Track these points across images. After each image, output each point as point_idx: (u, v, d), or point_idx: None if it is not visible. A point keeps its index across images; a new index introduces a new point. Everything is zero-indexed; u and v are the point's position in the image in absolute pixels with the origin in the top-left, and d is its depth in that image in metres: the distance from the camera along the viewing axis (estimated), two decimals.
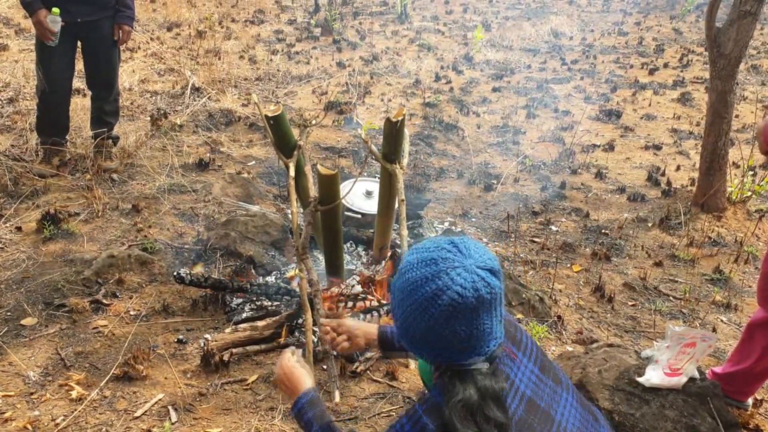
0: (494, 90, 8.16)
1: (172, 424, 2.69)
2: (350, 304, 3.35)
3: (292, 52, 9.34)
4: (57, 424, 2.65)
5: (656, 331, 3.57)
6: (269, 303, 3.42)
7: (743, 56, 4.61)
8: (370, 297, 3.41)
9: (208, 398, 2.85)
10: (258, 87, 7.61)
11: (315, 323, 2.97)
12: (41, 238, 3.98)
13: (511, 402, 1.61)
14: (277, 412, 2.76)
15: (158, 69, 7.84)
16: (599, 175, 5.73)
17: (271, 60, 8.78)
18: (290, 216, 3.39)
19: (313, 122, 3.69)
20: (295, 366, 2.01)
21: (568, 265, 4.24)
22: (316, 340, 3.01)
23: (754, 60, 10.09)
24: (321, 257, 3.68)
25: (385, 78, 8.35)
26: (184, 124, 6.04)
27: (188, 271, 3.44)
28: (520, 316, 3.52)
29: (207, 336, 3.17)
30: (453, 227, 4.61)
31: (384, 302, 3.38)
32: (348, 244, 4.03)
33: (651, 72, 9.39)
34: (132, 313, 3.40)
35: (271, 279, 3.70)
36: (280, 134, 3.17)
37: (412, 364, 3.12)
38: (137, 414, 2.73)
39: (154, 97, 6.81)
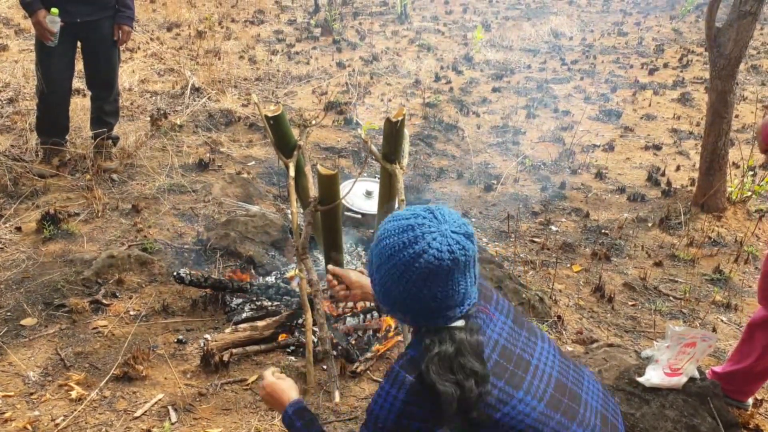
0: (494, 90, 8.16)
1: (172, 424, 2.69)
2: (350, 304, 3.35)
3: (292, 53, 9.34)
4: (57, 425, 2.65)
5: (656, 331, 3.57)
6: (269, 303, 3.42)
7: (743, 56, 4.61)
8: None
9: (207, 398, 2.85)
10: (258, 87, 7.61)
11: (315, 323, 2.97)
12: (41, 239, 3.98)
13: (485, 350, 1.67)
14: (276, 413, 2.76)
15: (158, 69, 7.84)
16: (599, 175, 5.73)
17: (271, 60, 8.77)
18: (290, 216, 3.39)
19: (313, 122, 3.69)
20: (276, 381, 2.02)
21: (568, 265, 4.24)
22: (316, 340, 3.01)
23: (754, 60, 10.09)
24: (321, 257, 3.68)
25: (384, 78, 8.35)
26: (184, 124, 6.04)
27: (188, 271, 3.43)
28: None
29: (207, 336, 3.17)
30: None
31: None
32: (348, 245, 4.02)
33: (651, 72, 9.39)
34: (132, 313, 3.40)
35: (271, 279, 3.70)
36: (280, 134, 3.16)
37: None
38: (137, 414, 2.73)
39: (154, 98, 6.81)
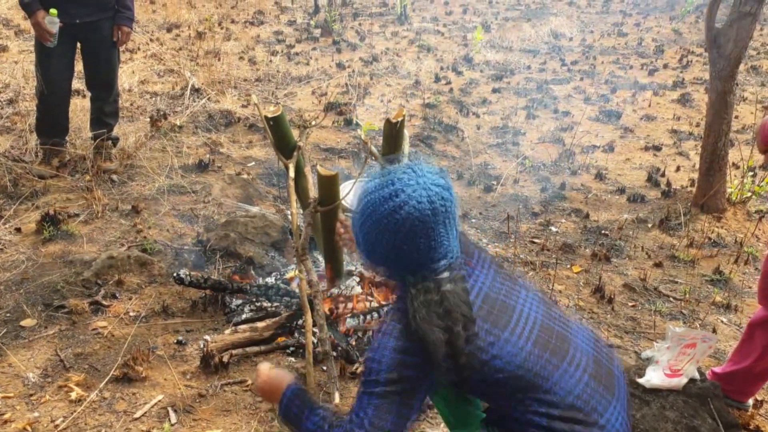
0: (494, 91, 8.16)
1: (172, 425, 2.69)
2: (350, 305, 3.34)
3: (291, 53, 9.34)
4: (56, 426, 2.65)
5: (656, 332, 3.57)
6: (269, 304, 3.41)
7: (743, 57, 4.61)
8: (370, 298, 3.41)
9: (207, 399, 2.85)
10: (258, 88, 7.61)
11: (315, 324, 2.96)
12: (41, 239, 3.98)
13: (469, 298, 1.72)
14: (276, 414, 2.76)
15: (158, 70, 7.84)
16: (599, 176, 5.73)
17: (270, 61, 8.77)
18: (290, 217, 3.39)
19: (313, 123, 3.69)
20: (271, 370, 2.00)
21: (568, 266, 4.23)
22: (315, 341, 3.00)
23: (754, 61, 10.09)
24: (321, 258, 3.67)
25: (384, 79, 8.35)
26: (184, 125, 6.04)
27: (188, 272, 3.43)
28: None
29: (207, 337, 3.16)
30: None
31: (384, 303, 3.38)
32: None
33: (651, 73, 9.39)
34: (131, 314, 3.39)
35: (270, 280, 3.70)
36: (279, 135, 3.16)
37: None
38: (137, 415, 2.73)
39: (153, 98, 6.81)
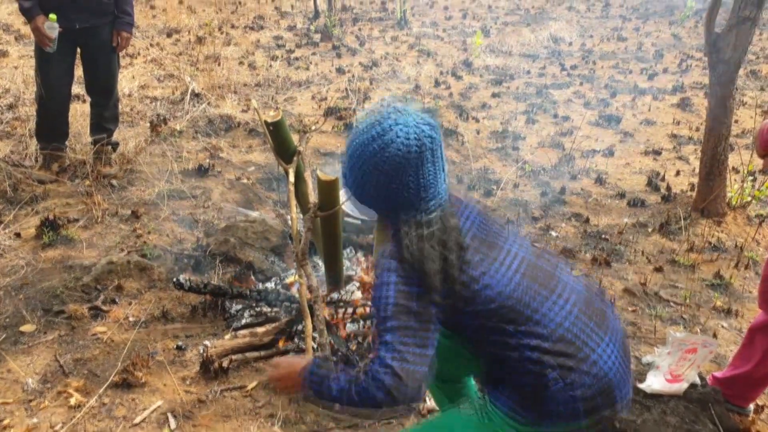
0: (494, 95, 8.16)
1: (172, 431, 2.68)
2: (350, 310, 3.34)
3: (291, 58, 9.35)
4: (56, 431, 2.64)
5: (657, 336, 3.56)
6: (269, 309, 3.41)
7: (742, 62, 4.61)
8: (370, 303, 3.40)
9: (207, 405, 2.84)
10: (258, 93, 7.62)
11: (315, 329, 2.96)
12: (40, 244, 3.97)
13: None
14: (276, 419, 2.75)
15: (158, 75, 7.85)
16: (599, 181, 5.73)
17: (270, 66, 8.78)
18: (290, 222, 3.39)
19: (313, 128, 3.69)
20: (282, 359, 2.00)
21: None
22: (315, 346, 3.00)
23: (753, 65, 10.10)
24: (321, 263, 3.67)
25: (384, 83, 8.36)
26: (184, 129, 6.04)
27: (188, 277, 3.43)
28: None
29: (206, 342, 3.16)
30: None
31: None
32: (348, 250, 4.02)
33: (650, 77, 9.40)
34: (131, 319, 3.39)
35: (270, 285, 3.69)
36: (279, 140, 3.16)
37: None
38: (136, 421, 2.72)
39: (153, 103, 6.81)
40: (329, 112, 6.89)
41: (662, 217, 4.95)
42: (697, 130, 7.08)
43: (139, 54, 8.66)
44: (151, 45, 9.19)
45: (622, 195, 5.47)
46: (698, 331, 3.63)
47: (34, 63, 4.66)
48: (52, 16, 4.26)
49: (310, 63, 9.20)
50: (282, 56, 9.39)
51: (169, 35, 9.92)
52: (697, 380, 2.60)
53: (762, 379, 2.81)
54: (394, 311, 1.70)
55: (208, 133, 6.08)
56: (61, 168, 4.86)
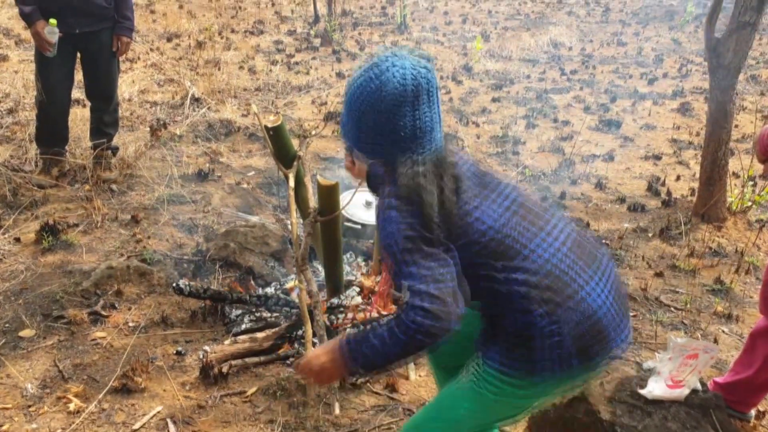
0: (494, 100, 8.17)
1: None
2: (350, 315, 3.33)
3: (291, 63, 9.36)
4: None
5: (657, 342, 3.56)
6: (269, 314, 3.40)
7: (743, 66, 4.61)
8: (370, 308, 3.39)
9: (207, 411, 2.83)
10: (258, 97, 7.62)
11: (315, 335, 2.95)
12: (40, 249, 3.97)
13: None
14: (276, 425, 2.74)
15: (158, 79, 7.85)
16: (599, 185, 5.73)
17: (270, 70, 8.79)
18: (290, 227, 3.39)
19: (313, 133, 3.69)
20: (307, 354, 1.95)
21: None
22: None
23: (753, 70, 10.11)
24: (321, 268, 3.66)
25: None
26: (184, 134, 6.04)
27: (187, 282, 3.42)
28: None
29: (206, 348, 3.15)
30: None
31: (384, 313, 3.37)
32: (348, 255, 4.01)
33: (650, 82, 9.41)
34: (131, 324, 3.38)
35: (270, 290, 3.69)
36: (279, 145, 3.16)
37: (413, 375, 3.10)
38: (136, 427, 2.71)
39: (153, 108, 6.81)
40: (329, 117, 6.89)
41: (662, 222, 4.95)
42: (698, 134, 7.08)
43: (139, 58, 8.66)
44: (151, 49, 9.19)
45: (622, 200, 5.46)
46: (699, 336, 3.62)
47: (35, 67, 4.66)
48: (53, 20, 4.26)
49: (310, 67, 9.20)
50: (282, 61, 9.40)
51: (169, 40, 9.93)
52: (699, 386, 2.59)
53: (763, 385, 2.80)
54: (405, 244, 1.73)
55: (208, 138, 6.08)
56: (60, 173, 4.85)
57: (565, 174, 5.96)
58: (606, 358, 1.83)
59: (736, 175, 5.62)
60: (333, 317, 3.32)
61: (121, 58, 4.91)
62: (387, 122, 1.77)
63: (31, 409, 2.77)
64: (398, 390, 3.00)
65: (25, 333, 3.25)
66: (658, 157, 6.51)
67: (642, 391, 2.56)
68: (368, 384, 3.04)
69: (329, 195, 3.09)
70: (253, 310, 3.44)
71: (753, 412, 2.93)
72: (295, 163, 3.21)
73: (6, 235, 4.10)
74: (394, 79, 1.74)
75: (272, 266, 3.95)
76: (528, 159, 6.24)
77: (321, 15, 11.89)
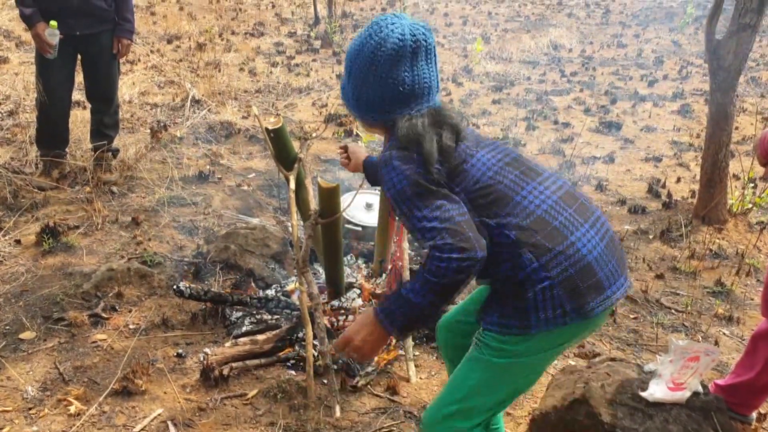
0: (494, 102, 8.17)
1: None
2: (351, 317, 3.33)
3: (292, 65, 9.36)
4: None
5: (658, 344, 3.56)
6: (269, 317, 3.40)
7: (743, 68, 4.61)
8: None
9: (207, 413, 2.83)
10: (258, 99, 7.62)
11: (315, 337, 2.95)
12: (40, 251, 3.97)
13: None
14: (277, 427, 2.74)
15: (158, 81, 7.86)
16: (600, 187, 5.73)
17: (271, 72, 8.79)
18: (290, 229, 3.39)
19: (314, 135, 3.69)
20: (346, 330, 1.93)
21: None
22: (316, 354, 2.99)
23: (753, 72, 10.12)
24: (321, 270, 3.66)
25: None
26: (184, 136, 6.04)
27: (188, 285, 3.42)
28: None
29: (207, 350, 3.14)
30: None
31: None
32: (348, 257, 4.01)
33: (650, 84, 9.41)
34: (131, 326, 3.38)
35: (271, 292, 3.68)
36: (280, 147, 3.16)
37: (414, 378, 3.10)
38: (136, 429, 2.71)
39: (154, 110, 6.82)
40: (330, 119, 6.89)
41: (663, 224, 4.95)
42: (698, 136, 7.09)
43: (139, 60, 8.67)
44: (152, 51, 9.19)
45: (622, 202, 5.46)
46: (700, 338, 3.62)
47: (35, 69, 4.66)
48: (53, 22, 4.27)
49: (311, 69, 9.21)
50: (282, 62, 9.40)
51: (169, 42, 9.93)
52: (700, 388, 2.59)
53: (765, 387, 2.80)
54: (412, 189, 1.77)
55: (208, 140, 6.08)
56: (61, 175, 4.85)
57: (565, 176, 5.96)
58: (602, 308, 1.81)
59: (736, 177, 5.62)
60: (334, 319, 3.32)
61: (121, 60, 4.91)
62: (386, 77, 1.83)
63: (31, 412, 2.77)
64: (399, 392, 3.00)
65: (26, 335, 3.24)
66: (658, 159, 6.51)
67: (643, 394, 2.56)
68: (369, 386, 3.04)
69: (330, 197, 3.09)
70: (254, 312, 3.44)
71: (754, 414, 2.92)
72: (295, 165, 3.21)
73: (6, 237, 4.10)
74: (394, 35, 1.80)
75: (273, 268, 3.95)
76: None
77: (321, 17, 11.90)
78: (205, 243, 4.16)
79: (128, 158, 5.28)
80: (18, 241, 4.08)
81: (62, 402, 2.83)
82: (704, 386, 2.61)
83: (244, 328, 3.32)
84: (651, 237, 4.83)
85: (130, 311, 3.50)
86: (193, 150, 5.83)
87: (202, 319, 3.45)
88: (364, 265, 3.98)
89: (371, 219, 4.18)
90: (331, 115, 6.98)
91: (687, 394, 2.54)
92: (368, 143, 5.41)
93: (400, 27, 1.81)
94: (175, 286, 3.40)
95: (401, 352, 3.24)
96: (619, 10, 15.75)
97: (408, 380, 3.10)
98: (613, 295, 1.84)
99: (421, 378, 3.13)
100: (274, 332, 3.23)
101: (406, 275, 3.35)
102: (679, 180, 6.00)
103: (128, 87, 7.28)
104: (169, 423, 2.75)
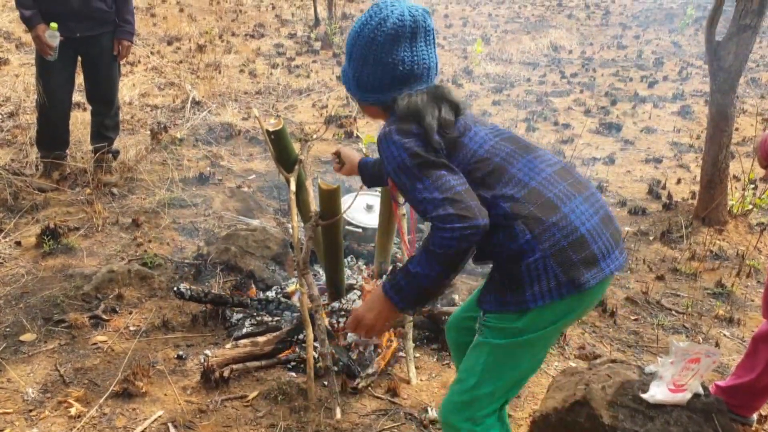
0: (494, 103, 8.17)
1: None
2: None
3: (292, 66, 9.36)
4: None
5: (659, 345, 3.55)
6: (270, 318, 3.40)
7: (743, 70, 4.61)
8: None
9: (208, 415, 2.82)
10: (258, 101, 7.62)
11: (316, 339, 2.95)
12: (41, 253, 3.97)
13: None
14: (277, 429, 2.74)
15: (158, 83, 7.86)
16: (600, 189, 5.73)
17: (271, 74, 8.79)
18: (291, 230, 3.38)
19: (314, 136, 3.69)
20: (355, 310, 2.01)
21: None
22: (316, 355, 2.99)
23: (753, 73, 10.12)
24: (322, 272, 3.66)
25: None
26: (185, 137, 6.04)
27: (188, 286, 3.42)
28: None
29: (207, 352, 3.14)
30: None
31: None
32: (349, 259, 4.01)
33: (650, 85, 9.41)
34: (131, 328, 3.38)
35: (271, 294, 3.68)
36: (280, 148, 3.15)
37: (414, 379, 3.10)
38: (137, 431, 2.70)
39: (154, 111, 6.82)
40: (330, 120, 6.90)
41: (663, 226, 4.95)
42: (698, 137, 7.09)
43: (139, 62, 8.67)
44: (152, 53, 9.20)
45: (623, 203, 5.46)
46: (700, 340, 3.62)
47: (35, 71, 4.66)
48: (53, 24, 4.27)
49: (311, 71, 9.21)
50: (282, 64, 9.41)
51: (169, 43, 9.94)
52: (701, 390, 2.58)
53: (765, 389, 2.79)
54: (412, 161, 1.80)
55: (208, 141, 6.09)
56: (61, 176, 4.86)
57: None
58: (596, 280, 1.81)
59: (736, 179, 5.62)
60: (334, 321, 3.32)
61: (121, 62, 4.91)
62: (386, 56, 1.87)
63: (32, 414, 2.77)
64: (399, 394, 3.00)
65: (26, 337, 3.24)
66: (658, 160, 6.52)
67: (644, 396, 2.56)
68: (369, 388, 3.04)
69: (330, 199, 3.09)
70: (254, 314, 3.44)
71: (755, 416, 2.92)
72: (296, 167, 3.21)
73: (7, 239, 4.10)
74: (393, 15, 1.85)
75: (273, 270, 3.95)
76: None
77: (321, 18, 11.91)
78: (206, 245, 4.16)
79: (128, 160, 5.29)
80: (18, 243, 4.08)
81: (63, 404, 2.83)
82: (705, 388, 2.61)
83: (244, 330, 3.32)
84: (651, 238, 4.83)
85: (130, 313, 3.49)
86: (194, 151, 5.83)
87: (202, 320, 3.45)
88: (364, 266, 3.98)
89: (372, 220, 4.18)
90: (331, 116, 6.98)
91: (688, 395, 2.54)
92: (368, 144, 5.41)
93: (399, 8, 1.86)
94: (175, 288, 3.40)
95: (402, 353, 3.23)
96: (619, 12, 15.76)
97: (408, 382, 3.10)
98: (607, 268, 1.84)
99: (421, 380, 3.13)
100: (274, 334, 3.23)
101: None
102: (679, 181, 6.00)
103: (128, 89, 7.29)
104: (169, 425, 2.75)
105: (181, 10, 12.39)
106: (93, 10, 4.48)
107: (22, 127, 5.80)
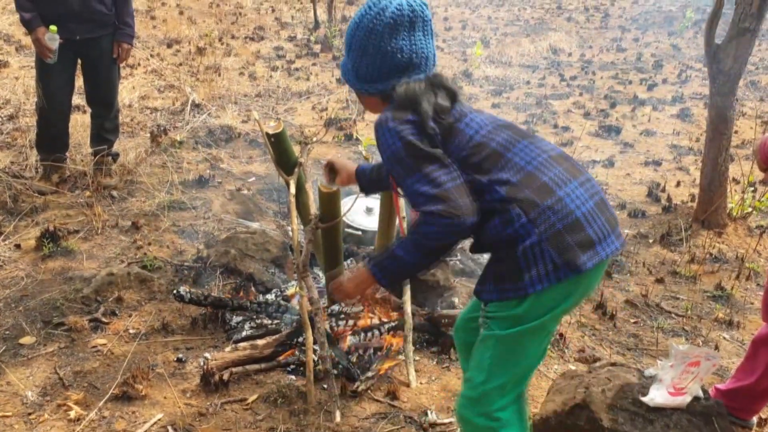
0: (493, 106, 8.17)
1: None
2: (351, 322, 3.33)
3: (292, 69, 9.37)
4: None
5: (659, 348, 3.55)
6: (269, 321, 3.40)
7: (742, 73, 4.61)
8: (370, 315, 3.39)
9: (207, 418, 2.82)
10: (258, 103, 7.63)
11: (315, 342, 2.94)
12: (40, 256, 3.97)
13: None
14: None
15: (158, 85, 7.86)
16: None
17: (271, 76, 8.80)
18: (291, 233, 3.38)
19: (314, 139, 3.69)
20: (343, 276, 2.16)
21: None
22: (316, 359, 2.99)
23: (753, 76, 10.13)
24: (321, 275, 3.66)
25: None
26: (184, 140, 6.04)
27: (188, 289, 3.41)
28: None
29: (207, 355, 3.14)
30: None
31: (385, 320, 3.36)
32: (348, 262, 4.01)
33: (650, 88, 9.42)
34: (131, 331, 3.37)
35: (271, 297, 3.68)
36: (280, 151, 3.16)
37: (414, 383, 3.10)
38: None
39: (154, 114, 6.82)
40: (330, 123, 6.90)
41: (663, 228, 4.95)
42: (698, 140, 7.09)
43: (139, 65, 8.67)
44: (152, 56, 9.21)
45: (622, 206, 5.46)
46: (700, 343, 3.62)
47: (35, 74, 4.66)
48: (53, 27, 4.27)
49: (311, 73, 9.22)
50: (282, 67, 9.41)
51: (169, 46, 9.95)
52: (700, 393, 2.58)
53: (765, 392, 2.80)
54: (407, 151, 1.84)
55: (208, 144, 6.09)
56: (61, 179, 4.86)
57: None
58: (593, 263, 1.82)
59: (736, 181, 5.63)
60: (334, 324, 3.31)
61: (121, 65, 4.91)
62: (385, 45, 1.91)
63: (31, 417, 2.76)
64: (399, 397, 2.99)
65: (26, 340, 3.24)
66: (658, 163, 6.52)
67: (644, 399, 2.55)
68: (369, 391, 3.04)
69: (330, 201, 3.09)
70: (254, 317, 3.44)
71: (755, 419, 2.92)
72: (296, 170, 3.21)
73: (6, 242, 4.10)
74: (392, 6, 1.89)
75: (273, 273, 3.95)
76: None
77: (321, 21, 11.92)
78: (205, 247, 4.16)
79: (128, 162, 5.28)
80: (18, 246, 4.08)
81: (62, 407, 2.82)
82: (705, 391, 2.61)
83: (244, 333, 3.32)
84: (651, 241, 4.83)
85: (130, 316, 3.49)
86: (193, 154, 5.84)
87: (202, 323, 3.45)
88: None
89: (372, 223, 4.18)
90: (331, 119, 6.99)
91: (687, 398, 2.54)
92: (368, 147, 5.41)
93: (397, 0, 1.89)
94: (175, 291, 3.40)
95: (402, 357, 3.23)
96: (618, 14, 15.78)
97: (408, 385, 3.09)
98: (603, 252, 1.85)
99: (421, 383, 3.12)
100: (274, 337, 3.23)
101: None
102: (678, 184, 6.00)
103: (128, 91, 7.29)
104: (169, 428, 2.74)
105: (181, 13, 12.40)
106: (93, 13, 4.48)
107: (22, 129, 5.80)
